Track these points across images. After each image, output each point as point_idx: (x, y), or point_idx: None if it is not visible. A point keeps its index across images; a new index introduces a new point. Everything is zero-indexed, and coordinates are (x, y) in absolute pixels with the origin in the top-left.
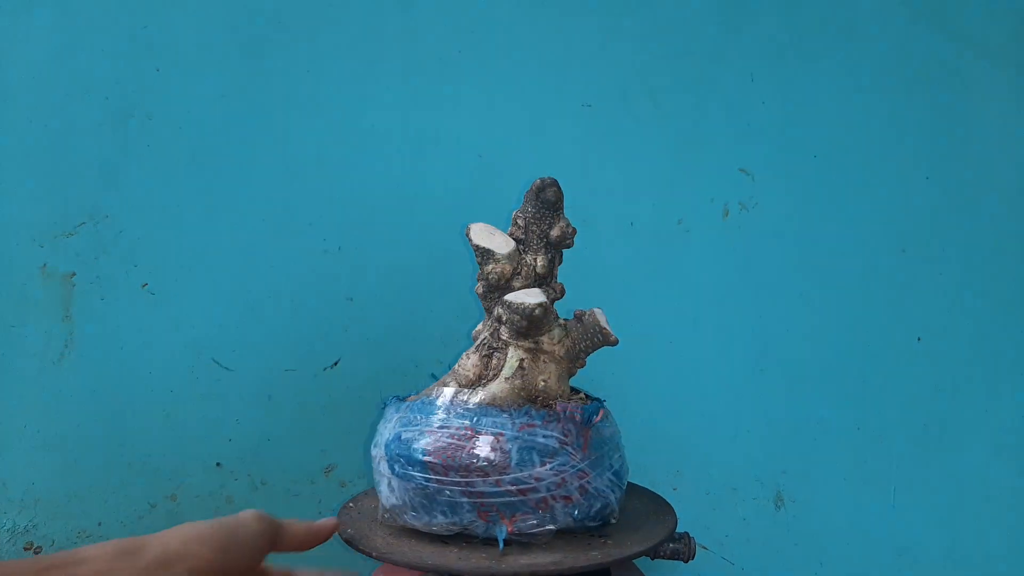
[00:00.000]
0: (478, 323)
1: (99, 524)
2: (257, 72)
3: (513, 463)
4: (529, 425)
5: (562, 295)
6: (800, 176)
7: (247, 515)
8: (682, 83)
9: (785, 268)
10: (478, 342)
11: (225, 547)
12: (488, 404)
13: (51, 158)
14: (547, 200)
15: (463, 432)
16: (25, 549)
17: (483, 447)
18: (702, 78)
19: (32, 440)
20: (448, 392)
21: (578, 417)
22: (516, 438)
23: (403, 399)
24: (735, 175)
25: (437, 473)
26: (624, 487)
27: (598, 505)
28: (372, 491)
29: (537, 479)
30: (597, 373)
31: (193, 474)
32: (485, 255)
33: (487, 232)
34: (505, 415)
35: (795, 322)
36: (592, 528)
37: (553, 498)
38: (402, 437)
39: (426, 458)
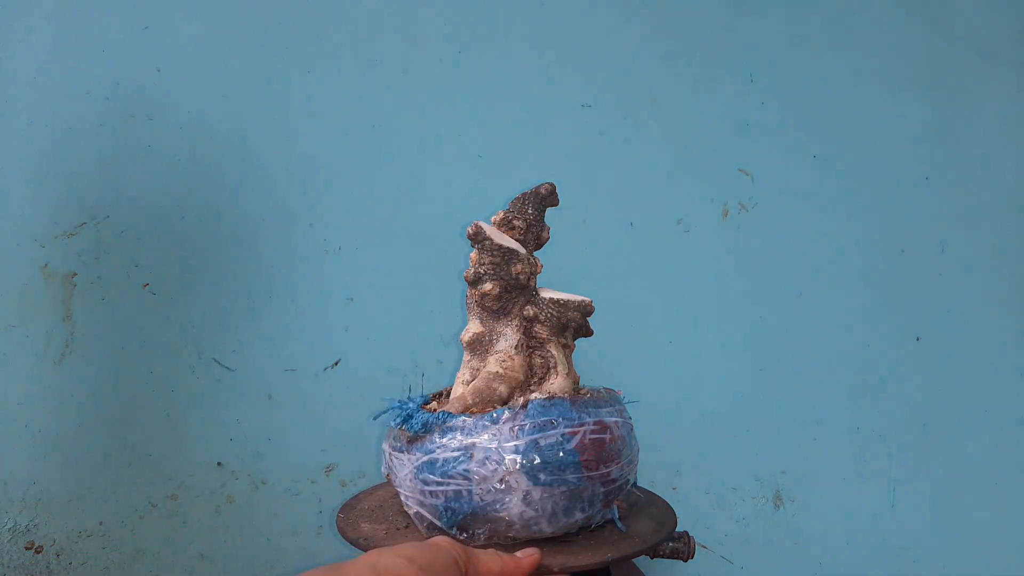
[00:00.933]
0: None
1: (100, 523)
2: (257, 72)
3: (630, 446)
4: (621, 412)
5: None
6: (800, 176)
7: (442, 540)
8: (682, 83)
9: (785, 268)
10: (515, 343)
11: (430, 566)
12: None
13: (51, 158)
14: (551, 205)
15: (596, 426)
16: (26, 549)
17: (616, 434)
18: (702, 78)
19: (33, 439)
20: (520, 398)
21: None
22: (623, 423)
23: (420, 419)
24: (735, 175)
25: (591, 470)
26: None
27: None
28: (372, 491)
29: (634, 460)
30: (598, 373)
31: (194, 473)
32: (508, 256)
33: (497, 233)
34: (594, 406)
35: (795, 322)
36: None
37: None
38: (540, 444)
39: (583, 457)
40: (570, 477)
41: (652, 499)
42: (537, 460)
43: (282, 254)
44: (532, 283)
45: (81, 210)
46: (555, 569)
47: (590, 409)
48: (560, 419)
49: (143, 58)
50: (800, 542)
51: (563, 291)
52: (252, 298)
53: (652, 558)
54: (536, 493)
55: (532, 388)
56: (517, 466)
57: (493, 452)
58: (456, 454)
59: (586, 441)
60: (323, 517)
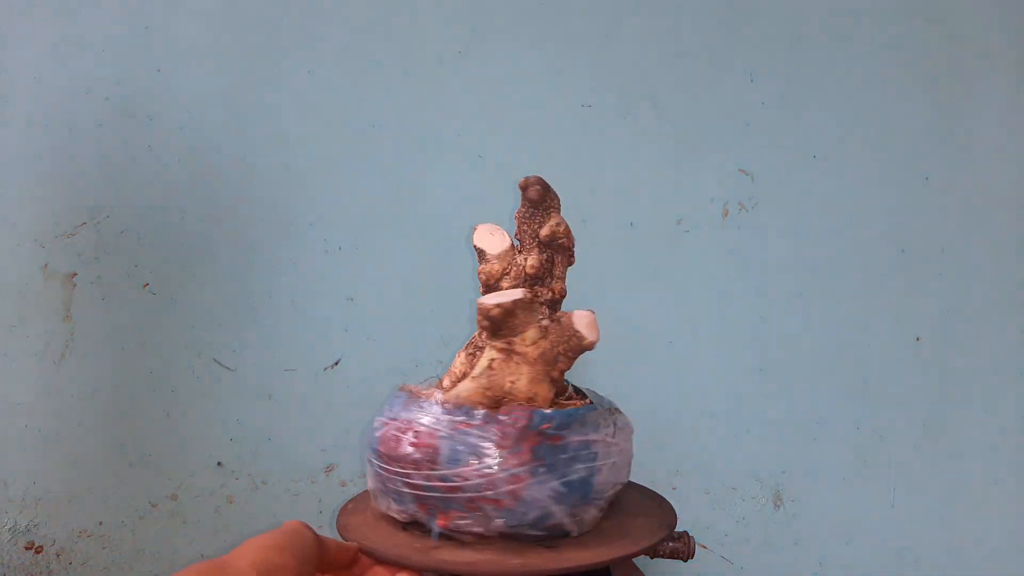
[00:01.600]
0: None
1: (100, 523)
2: (257, 72)
3: (443, 459)
4: (466, 424)
5: (561, 296)
6: (800, 176)
7: (297, 524)
8: (682, 83)
9: (785, 268)
10: (468, 342)
11: (301, 554)
12: (452, 402)
13: (52, 158)
14: (531, 199)
15: (402, 425)
16: (26, 549)
17: (414, 440)
18: (702, 78)
19: (33, 439)
20: (422, 389)
21: (522, 423)
22: (449, 435)
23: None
24: (735, 175)
25: (384, 462)
26: (589, 500)
27: (535, 514)
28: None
29: (464, 478)
30: (597, 373)
31: (194, 473)
32: (479, 255)
33: (487, 232)
34: (449, 413)
35: (795, 322)
36: (538, 538)
37: (482, 499)
38: (374, 424)
39: (378, 447)
40: (374, 462)
41: (652, 499)
42: (369, 437)
43: (282, 254)
44: (504, 283)
45: (81, 210)
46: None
47: (414, 409)
48: (390, 408)
49: (143, 58)
50: (800, 542)
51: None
52: (252, 298)
53: (652, 558)
54: (368, 468)
55: (446, 387)
56: (368, 438)
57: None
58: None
59: (387, 434)
60: (323, 517)
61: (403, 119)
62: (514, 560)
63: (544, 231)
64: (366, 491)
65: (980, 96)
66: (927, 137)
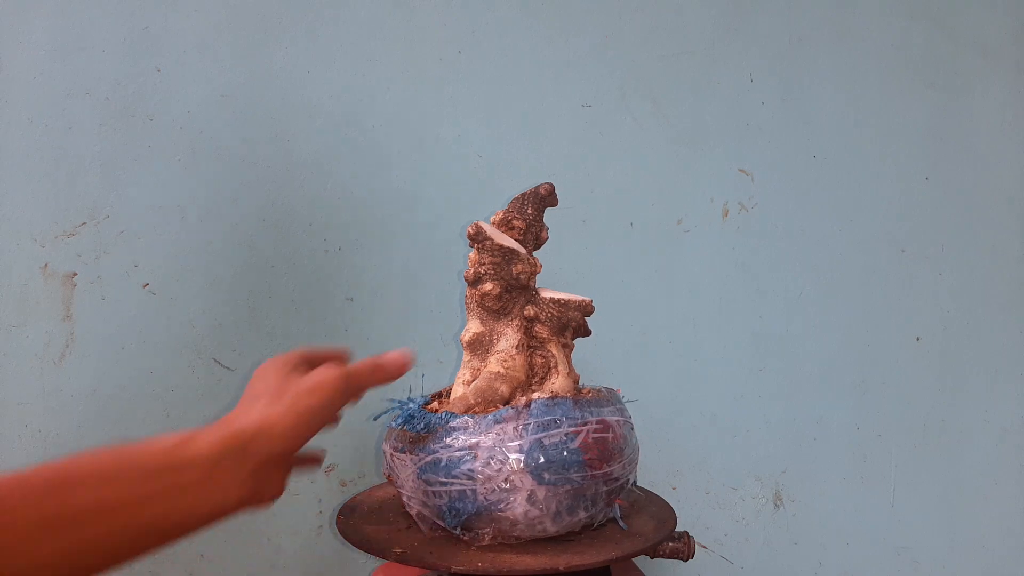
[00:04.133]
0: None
1: None
2: (257, 72)
3: (631, 445)
4: (622, 411)
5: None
6: (800, 176)
7: (321, 377)
8: (682, 83)
9: (785, 268)
10: (516, 343)
11: (317, 425)
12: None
13: (51, 158)
14: (551, 205)
15: (598, 425)
16: None
17: (618, 433)
18: (702, 78)
19: (33, 439)
20: (523, 398)
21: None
22: (624, 422)
23: (423, 419)
24: (735, 175)
25: (594, 468)
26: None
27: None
28: (372, 491)
29: (635, 459)
30: (598, 373)
31: None
32: (508, 255)
33: (497, 233)
34: (596, 405)
35: (795, 322)
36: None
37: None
38: (544, 443)
39: (586, 456)
40: (574, 476)
41: (652, 499)
42: (541, 459)
43: (282, 254)
44: (532, 283)
45: (81, 210)
46: None
47: (592, 408)
48: (563, 418)
49: (143, 58)
50: (800, 542)
51: (563, 291)
52: (252, 298)
53: (652, 558)
54: (541, 492)
55: (533, 388)
56: (521, 465)
57: (497, 452)
58: (460, 454)
59: (589, 440)
60: (323, 517)
61: (403, 119)
62: (528, 560)
63: (544, 235)
64: (364, 495)
65: (980, 96)
66: (927, 137)
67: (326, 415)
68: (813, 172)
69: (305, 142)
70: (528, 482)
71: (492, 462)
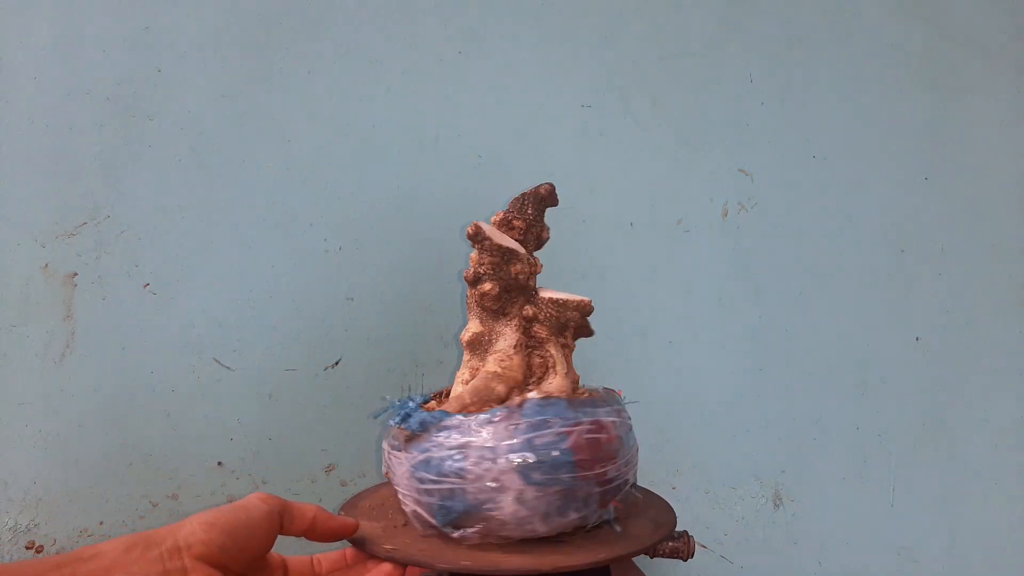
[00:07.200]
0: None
1: (100, 523)
2: (257, 72)
3: (628, 446)
4: (619, 411)
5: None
6: (799, 176)
7: (253, 498)
8: (682, 83)
9: (784, 268)
10: (514, 342)
11: (232, 531)
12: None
13: (52, 158)
14: (551, 205)
15: (591, 425)
16: (27, 548)
17: (613, 434)
18: (702, 78)
19: (33, 439)
20: (517, 398)
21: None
22: (621, 423)
23: (418, 417)
24: (734, 175)
25: (585, 469)
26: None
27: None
28: (372, 490)
29: (632, 460)
30: (598, 373)
31: (194, 473)
32: (508, 256)
33: (497, 233)
34: (591, 406)
35: (794, 322)
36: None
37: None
38: (535, 443)
39: (577, 456)
40: (564, 477)
41: (651, 499)
42: (531, 459)
43: (282, 254)
44: (532, 283)
45: (81, 210)
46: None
47: (587, 408)
48: (555, 418)
49: (143, 58)
50: (800, 542)
51: (563, 291)
52: (252, 298)
53: (652, 558)
54: (529, 492)
55: (530, 388)
56: (511, 465)
57: (488, 451)
58: (451, 452)
59: (581, 440)
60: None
61: (403, 119)
62: (514, 559)
63: (545, 234)
64: (364, 493)
65: (980, 96)
66: (927, 137)
67: (252, 528)
68: (813, 172)
69: (305, 142)
70: (517, 482)
71: (482, 461)
